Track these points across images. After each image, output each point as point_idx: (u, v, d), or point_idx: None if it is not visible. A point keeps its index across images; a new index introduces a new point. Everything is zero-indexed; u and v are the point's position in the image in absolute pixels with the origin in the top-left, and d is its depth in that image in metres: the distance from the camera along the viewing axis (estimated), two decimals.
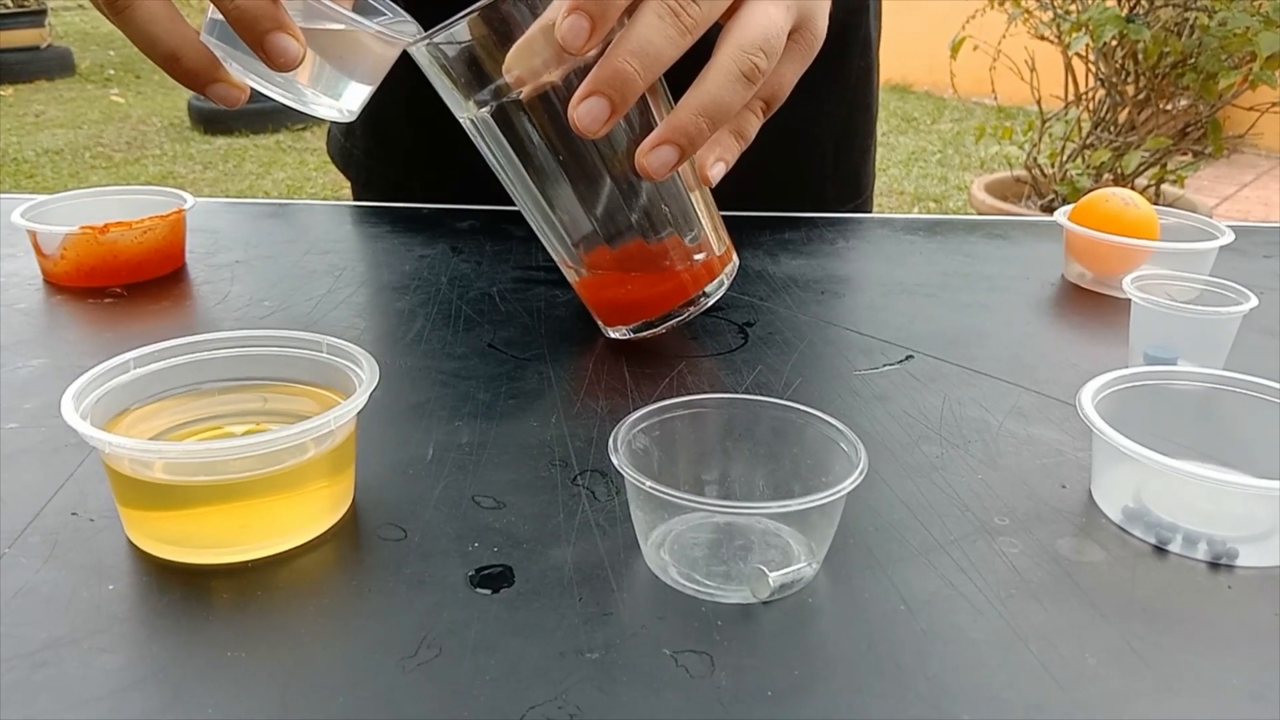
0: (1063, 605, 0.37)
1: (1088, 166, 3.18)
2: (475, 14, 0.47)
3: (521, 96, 0.50)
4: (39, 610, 0.36)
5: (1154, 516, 0.42)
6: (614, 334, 0.59)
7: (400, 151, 0.91)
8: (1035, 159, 3.39)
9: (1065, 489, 0.45)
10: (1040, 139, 3.39)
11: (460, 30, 0.48)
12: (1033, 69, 3.30)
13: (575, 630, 0.35)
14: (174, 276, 0.70)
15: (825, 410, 0.42)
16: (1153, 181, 3.19)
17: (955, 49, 3.24)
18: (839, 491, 0.37)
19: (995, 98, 3.56)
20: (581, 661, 0.34)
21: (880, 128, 0.98)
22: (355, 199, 0.96)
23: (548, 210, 0.55)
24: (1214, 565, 0.40)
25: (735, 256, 0.60)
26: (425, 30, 0.50)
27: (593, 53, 0.46)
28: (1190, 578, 0.40)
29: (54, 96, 5.95)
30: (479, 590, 0.37)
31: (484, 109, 0.51)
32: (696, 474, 0.43)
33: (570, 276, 0.59)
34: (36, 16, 6.46)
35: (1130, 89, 3.17)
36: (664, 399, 0.43)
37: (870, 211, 0.96)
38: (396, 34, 0.50)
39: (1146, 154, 3.09)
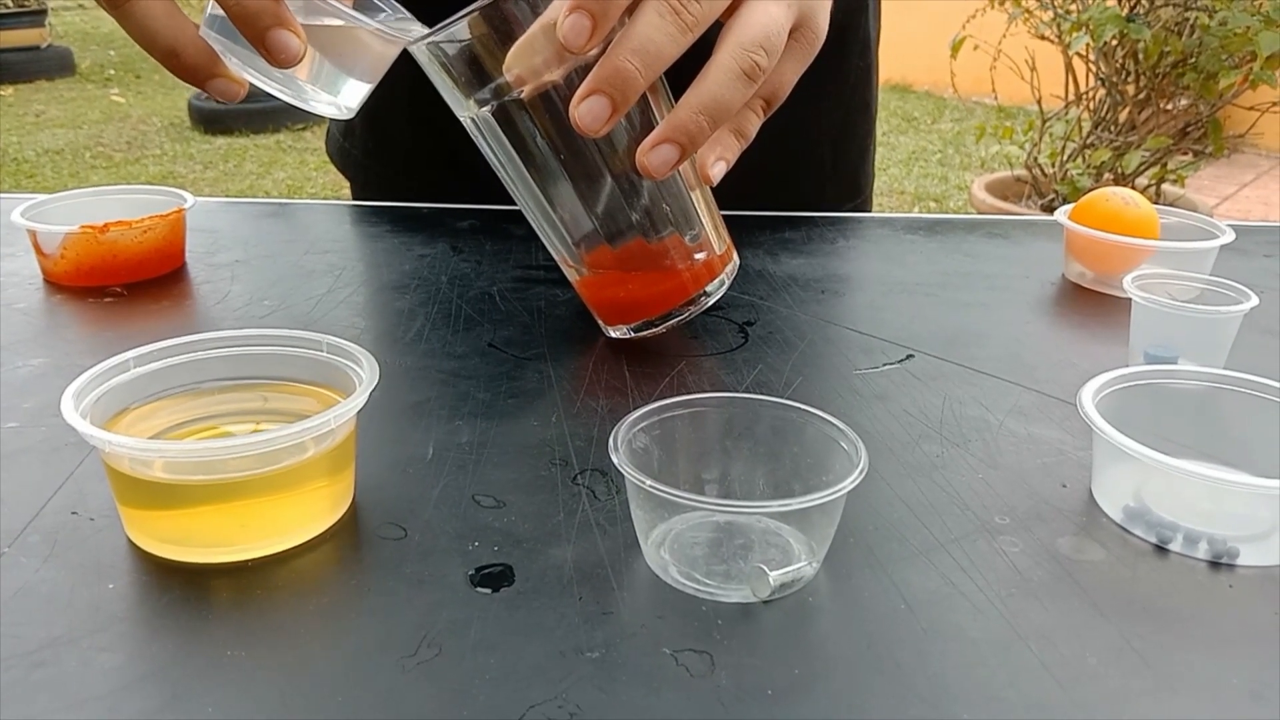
0: (1063, 604, 0.37)
1: (1088, 166, 3.18)
2: (476, 12, 0.47)
3: (522, 95, 0.50)
4: (38, 609, 0.36)
5: (1155, 516, 0.42)
6: (614, 333, 0.59)
7: (399, 152, 0.91)
8: (1035, 159, 3.39)
9: (1066, 488, 0.45)
10: (1040, 139, 3.39)
11: (461, 29, 0.48)
12: (1033, 68, 3.30)
13: (575, 629, 0.35)
14: (174, 276, 0.70)
15: (825, 409, 0.42)
16: (1153, 181, 3.19)
17: (955, 49, 3.24)
18: (839, 490, 0.37)
19: (996, 97, 3.56)
20: (581, 660, 0.34)
21: (880, 127, 0.98)
22: (354, 199, 0.96)
23: (548, 209, 0.55)
24: (1214, 564, 0.40)
25: (736, 256, 0.60)
26: (426, 28, 0.50)
27: (593, 52, 0.46)
28: (1191, 577, 0.40)
29: (54, 96, 5.95)
30: (479, 589, 0.37)
31: (485, 108, 0.51)
32: (697, 473, 0.43)
33: (571, 276, 0.59)
34: (37, 16, 6.46)
35: (1131, 88, 3.17)
36: (664, 398, 0.43)
37: (870, 211, 0.96)
38: (397, 32, 0.50)
39: (1147, 154, 3.09)
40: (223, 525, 0.39)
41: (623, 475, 0.38)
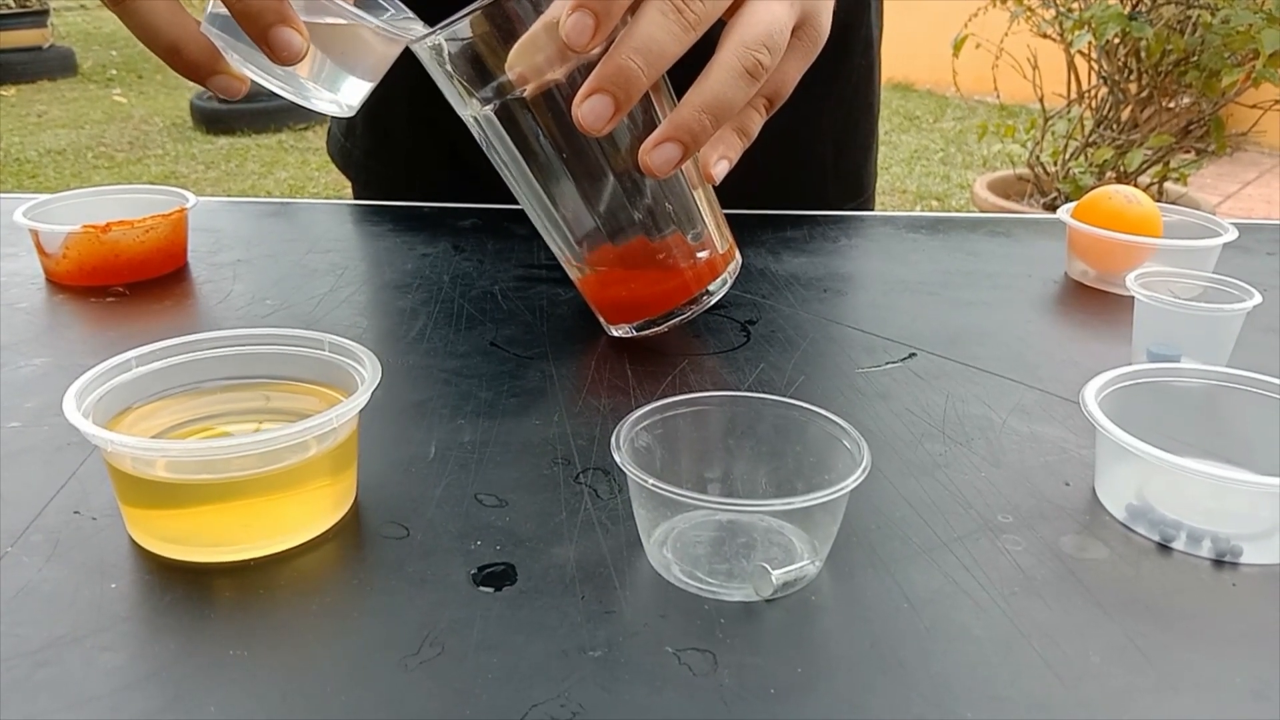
0: (1066, 603, 0.37)
1: (1090, 164, 3.18)
2: (478, 11, 0.47)
3: (525, 94, 0.50)
4: (40, 609, 0.36)
5: (1158, 514, 0.42)
6: (616, 332, 0.59)
7: (401, 151, 0.91)
8: (1038, 157, 3.39)
9: (1069, 486, 0.45)
10: (1043, 137, 3.39)
11: (463, 27, 0.48)
12: (1035, 67, 3.29)
13: (577, 628, 0.35)
14: (176, 275, 0.70)
15: (828, 408, 0.42)
16: (1155, 179, 3.19)
17: (957, 47, 3.24)
18: (842, 489, 0.37)
19: (998, 96, 3.56)
20: (584, 660, 0.34)
21: (882, 126, 0.98)
22: (356, 199, 0.96)
23: (551, 208, 0.55)
24: (1218, 563, 0.40)
25: (738, 255, 0.60)
26: (428, 27, 0.50)
27: (596, 50, 0.46)
28: (1194, 575, 0.39)
29: (56, 97, 5.96)
30: (481, 588, 0.37)
31: (487, 106, 0.51)
32: (699, 472, 0.43)
33: (573, 274, 0.59)
34: (39, 17, 6.47)
35: (1133, 87, 3.17)
36: (666, 397, 0.43)
37: (873, 210, 0.96)
38: (399, 31, 0.50)
39: (1149, 152, 3.08)
40: (225, 524, 0.39)
41: (625, 474, 0.38)
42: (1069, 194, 3.12)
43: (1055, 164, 3.37)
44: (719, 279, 0.58)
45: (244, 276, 0.70)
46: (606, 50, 0.45)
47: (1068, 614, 0.37)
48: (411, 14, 0.54)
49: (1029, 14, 3.24)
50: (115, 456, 0.39)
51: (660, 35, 0.45)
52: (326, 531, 0.41)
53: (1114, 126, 3.23)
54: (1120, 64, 3.16)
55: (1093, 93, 3.31)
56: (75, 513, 0.42)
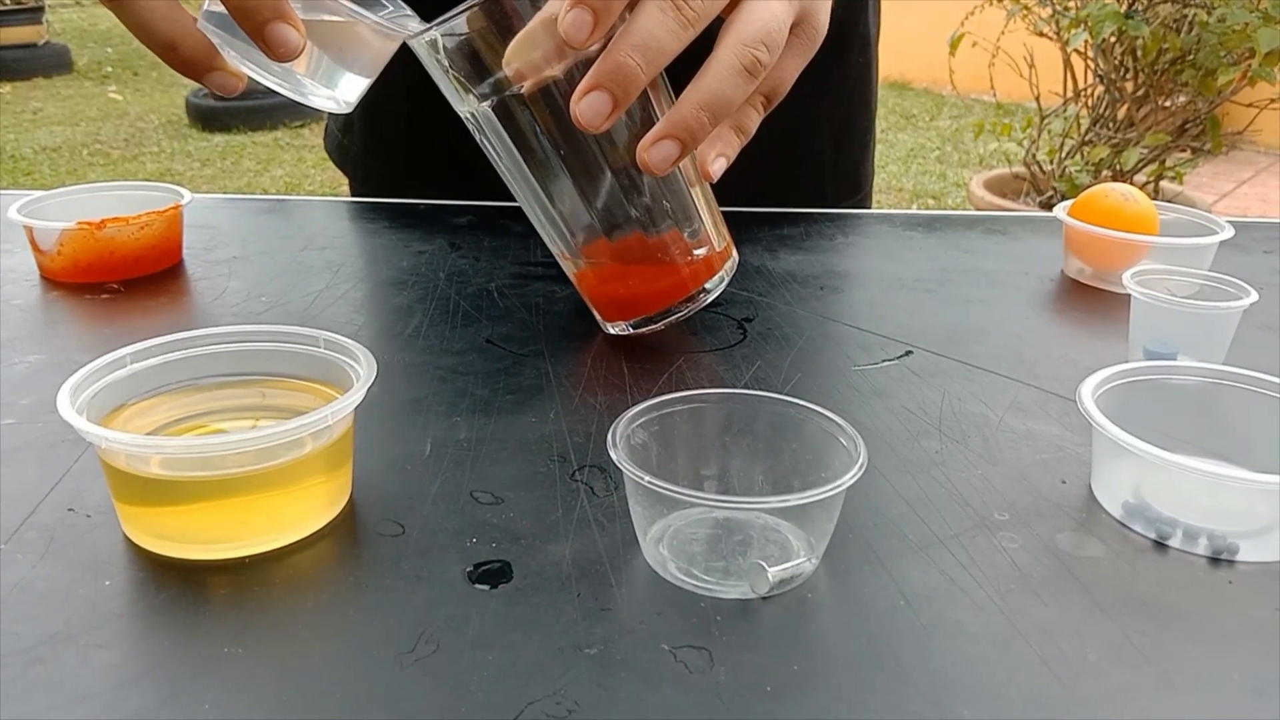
0: (1063, 600, 0.37)
1: (1086, 163, 3.18)
2: (476, 7, 0.47)
3: (522, 90, 0.50)
4: (35, 606, 0.36)
5: (1154, 511, 0.42)
6: (613, 329, 0.59)
7: (398, 148, 0.91)
8: (1034, 156, 3.39)
9: (1065, 484, 0.45)
10: (1039, 136, 3.39)
11: (460, 23, 0.48)
12: (1031, 65, 3.30)
13: (574, 626, 0.35)
14: (171, 272, 0.70)
15: (824, 405, 0.42)
16: (1151, 178, 3.19)
17: (954, 46, 3.24)
18: (838, 486, 0.37)
19: (994, 94, 3.56)
20: (580, 657, 0.34)
21: (879, 125, 0.98)
22: (353, 196, 0.96)
23: (548, 205, 0.55)
24: (1214, 560, 0.40)
25: (735, 252, 0.60)
26: (426, 23, 0.50)
27: (594, 47, 0.46)
28: (1190, 573, 0.39)
29: (51, 94, 5.94)
30: (477, 586, 0.37)
31: (484, 103, 0.51)
32: (695, 469, 0.43)
33: (570, 272, 0.59)
34: (34, 14, 6.45)
35: (1129, 85, 3.18)
36: (663, 394, 0.43)
37: (869, 208, 0.96)
38: (396, 27, 0.50)
39: (1145, 151, 3.09)
40: (220, 522, 0.39)
41: (621, 471, 0.38)
42: (1065, 192, 3.12)
43: (1051, 162, 3.37)
44: (716, 276, 0.58)
45: (239, 273, 0.70)
46: (605, 47, 0.45)
47: (1064, 611, 0.37)
48: (409, 10, 0.53)
49: (1025, 12, 3.25)
50: (110, 453, 0.38)
51: (659, 32, 0.45)
52: (322, 529, 0.41)
53: (1110, 125, 3.23)
54: (1116, 62, 3.16)
55: (1089, 91, 3.31)
56: (69, 510, 0.41)
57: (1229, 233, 0.70)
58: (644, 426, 0.41)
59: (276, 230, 0.80)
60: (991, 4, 3.31)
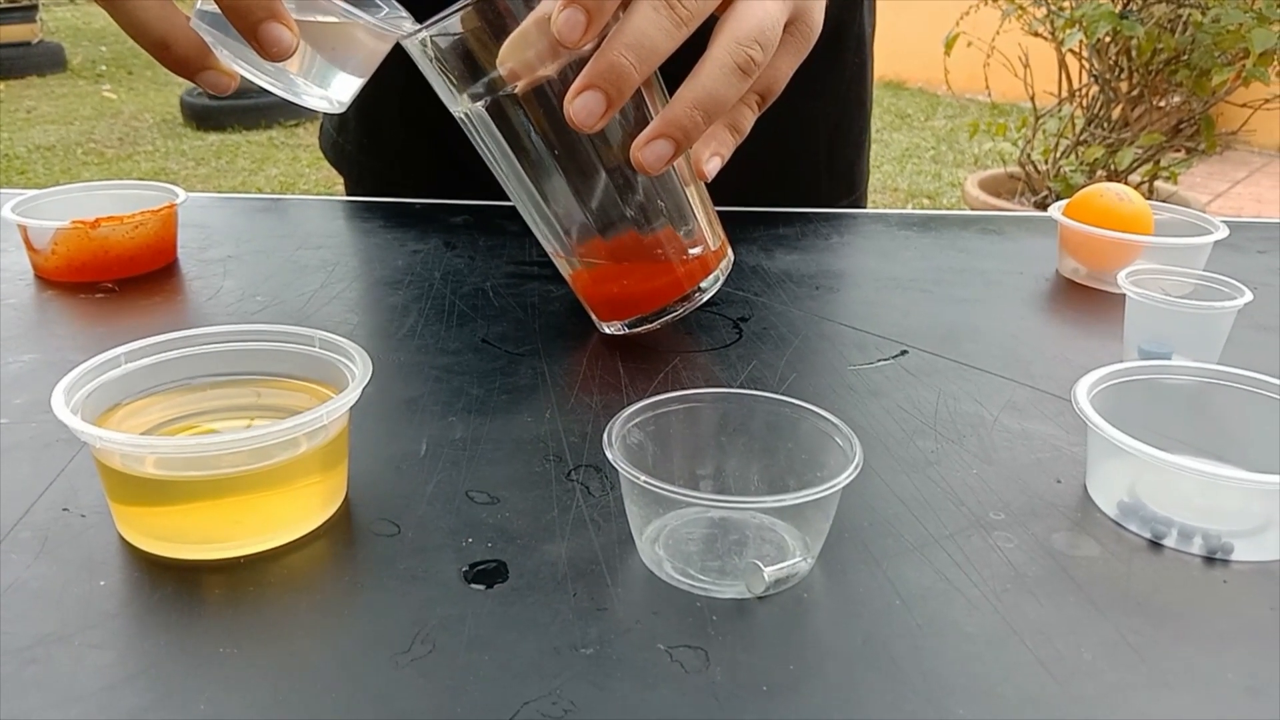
0: (1058, 600, 0.37)
1: (1081, 163, 3.19)
2: (469, 7, 0.47)
3: (516, 90, 0.50)
4: (29, 606, 0.36)
5: (1149, 511, 0.42)
6: (608, 329, 0.59)
7: (393, 147, 0.90)
8: (1029, 155, 3.39)
9: (1060, 484, 0.45)
10: (1034, 135, 3.39)
11: (454, 23, 0.48)
12: (1026, 65, 3.30)
13: (569, 625, 0.35)
14: (166, 271, 0.70)
15: (820, 405, 0.42)
16: (1146, 178, 3.20)
17: (949, 45, 3.25)
18: (834, 486, 0.37)
19: (989, 94, 3.57)
20: (576, 657, 0.34)
21: (874, 124, 0.98)
22: (348, 195, 0.96)
23: (543, 205, 0.54)
24: (1209, 560, 0.40)
25: (730, 252, 0.60)
26: (419, 23, 0.50)
27: (587, 47, 0.46)
28: (1185, 572, 0.40)
29: (46, 92, 5.93)
30: (473, 586, 0.37)
31: (478, 103, 0.51)
32: (691, 469, 0.43)
33: (565, 271, 0.59)
34: (28, 12, 6.43)
35: (1124, 85, 3.18)
36: (658, 394, 0.43)
37: (864, 208, 0.96)
38: (390, 27, 0.50)
39: (1140, 151, 3.09)
40: (215, 521, 0.39)
41: (617, 471, 0.38)
42: (1060, 192, 3.13)
43: (1046, 162, 3.38)
44: (711, 276, 0.58)
45: (234, 273, 0.70)
46: (598, 47, 0.45)
47: (1060, 611, 0.37)
48: (403, 11, 0.53)
49: (1020, 12, 3.25)
50: (104, 453, 0.38)
51: (652, 31, 0.45)
52: (317, 529, 0.41)
53: (1105, 125, 3.24)
54: (1111, 63, 3.16)
55: (1084, 91, 3.31)
56: (64, 510, 0.41)
57: (1223, 233, 0.70)
58: (640, 426, 0.41)
59: (271, 229, 0.80)
60: (987, 4, 3.31)
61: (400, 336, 0.59)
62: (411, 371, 0.55)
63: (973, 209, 3.44)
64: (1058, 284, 0.72)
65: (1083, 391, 0.44)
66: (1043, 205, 3.26)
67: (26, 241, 0.67)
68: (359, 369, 0.42)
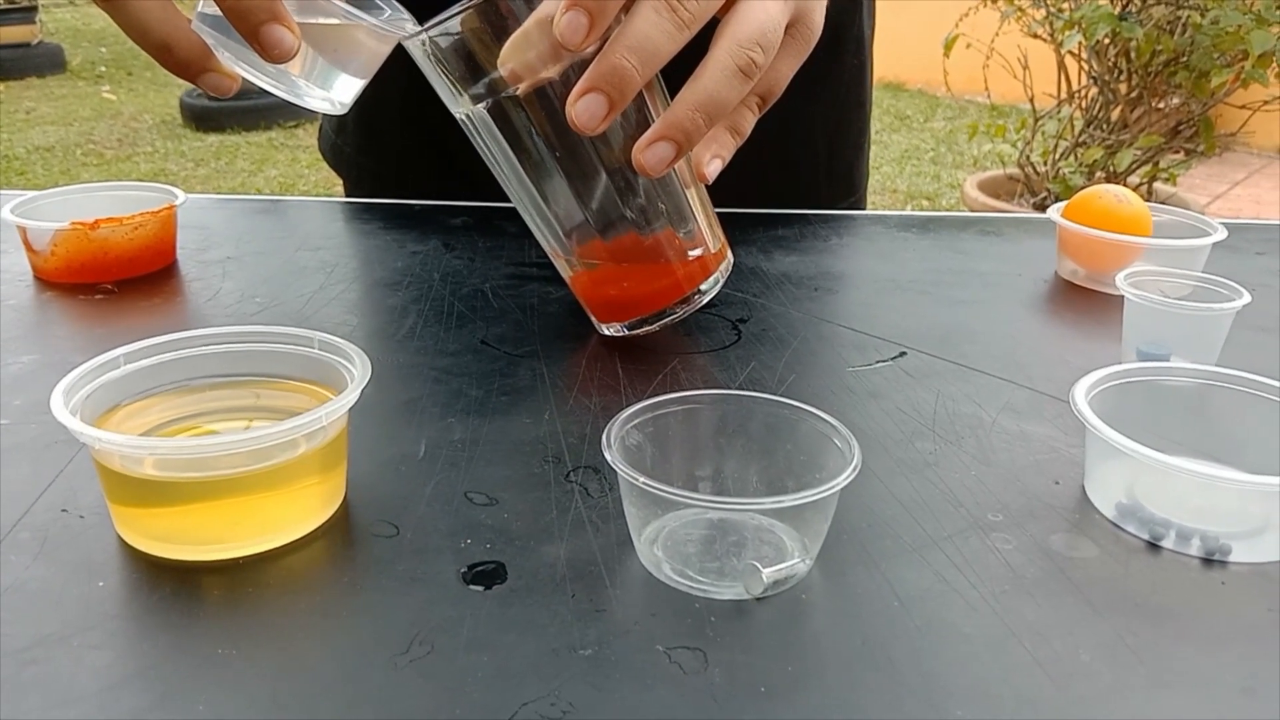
0: (1056, 601, 0.37)
1: (1080, 164, 3.19)
2: (471, 8, 0.47)
3: (517, 92, 0.50)
4: (28, 607, 0.36)
5: (1147, 512, 0.42)
6: (608, 331, 0.59)
7: (392, 149, 0.90)
8: (1028, 157, 3.40)
9: (1059, 485, 0.45)
10: (1033, 137, 3.39)
11: (455, 24, 0.48)
12: (1025, 67, 3.30)
13: (568, 627, 0.35)
14: (165, 273, 0.70)
15: (819, 406, 0.42)
16: (1145, 180, 3.20)
17: (948, 47, 3.25)
18: (832, 487, 0.37)
19: (988, 96, 3.57)
20: (574, 658, 0.34)
21: (873, 126, 0.98)
22: (347, 196, 0.96)
23: (543, 206, 0.55)
24: (1207, 561, 0.40)
25: (730, 253, 0.60)
26: (421, 25, 0.50)
27: (590, 49, 0.46)
28: (1183, 573, 0.40)
29: (45, 93, 5.93)
30: (471, 587, 0.37)
31: (479, 104, 0.51)
32: (690, 470, 0.43)
33: (564, 273, 0.59)
34: (28, 13, 6.43)
35: (1123, 87, 3.18)
36: (657, 395, 0.43)
37: (864, 209, 0.96)
38: (391, 28, 0.50)
39: (1139, 152, 3.09)
40: (213, 523, 0.39)
41: (616, 472, 0.38)
42: (1059, 194, 3.13)
43: (1045, 164, 3.38)
44: (711, 278, 0.58)
45: (233, 274, 0.70)
46: (600, 49, 0.45)
47: (1058, 612, 0.37)
48: (405, 13, 0.53)
49: (1019, 14, 3.25)
50: (103, 454, 0.38)
51: (654, 34, 0.45)
52: (316, 530, 0.41)
53: (1104, 126, 3.24)
54: (1110, 64, 3.17)
55: (1083, 93, 3.32)
56: (63, 511, 0.41)
57: (1222, 234, 0.70)
58: (639, 427, 0.41)
59: (271, 231, 0.80)
60: (986, 5, 3.31)
61: (399, 338, 0.59)
62: (410, 373, 0.55)
63: (972, 210, 3.45)
64: (1056, 285, 0.72)
65: (1081, 393, 0.44)
66: (1042, 207, 3.26)
67: (26, 243, 0.68)
68: (358, 370, 0.42)
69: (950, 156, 4.69)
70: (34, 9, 6.52)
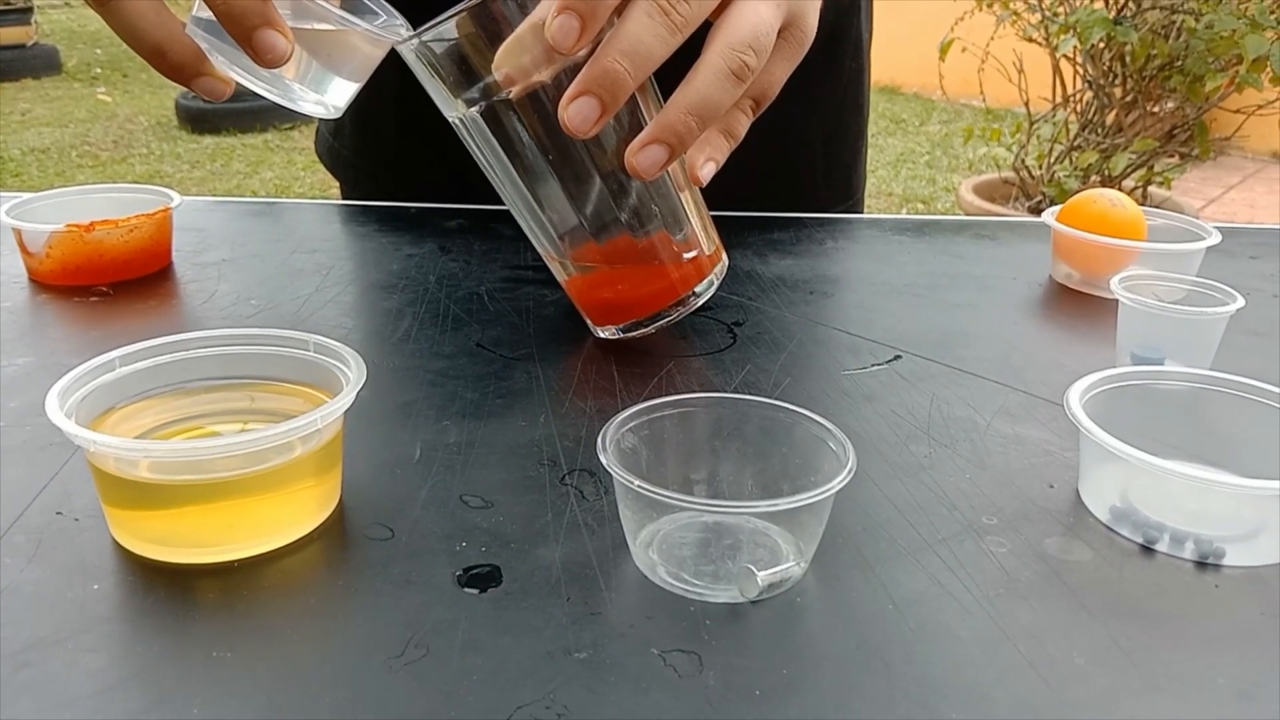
0: (1050, 604, 0.37)
1: (1075, 168, 3.20)
2: (464, 12, 0.47)
3: (510, 95, 0.50)
4: (23, 610, 0.36)
5: (1141, 516, 0.42)
6: (603, 334, 0.59)
7: (389, 151, 0.90)
8: (1023, 161, 3.40)
9: (1053, 488, 0.45)
10: (1028, 141, 3.40)
11: (449, 28, 0.48)
12: (1021, 71, 3.31)
13: (563, 630, 0.35)
14: (160, 275, 0.70)
15: (814, 410, 0.42)
16: (1140, 183, 3.21)
17: (944, 51, 3.25)
18: (827, 491, 0.37)
19: (983, 99, 3.58)
20: (569, 661, 0.34)
21: (869, 129, 0.98)
22: (344, 199, 0.96)
23: (537, 209, 0.55)
24: (1201, 564, 0.40)
25: (725, 256, 0.60)
26: (414, 29, 0.50)
27: (582, 52, 0.46)
28: (1177, 577, 0.40)
29: (40, 95, 5.92)
30: (466, 590, 0.37)
31: (473, 108, 0.51)
32: (685, 473, 0.43)
33: (559, 276, 0.59)
34: (23, 14, 6.43)
35: (1118, 91, 3.19)
36: (653, 398, 0.43)
37: (861, 213, 0.96)
38: (385, 33, 0.50)
39: (1134, 156, 3.10)
40: (209, 525, 0.39)
41: (611, 475, 0.38)
42: (1054, 197, 3.13)
43: (1040, 168, 3.38)
44: (705, 281, 0.58)
45: (229, 276, 0.70)
46: (593, 52, 0.45)
47: (1052, 615, 0.37)
48: (399, 16, 0.53)
49: (1015, 18, 3.26)
50: (98, 457, 0.38)
51: (647, 37, 0.45)
52: (311, 533, 0.41)
53: (1099, 130, 3.25)
54: (1105, 68, 3.17)
55: (1078, 97, 3.32)
56: (58, 513, 0.41)
57: (1216, 238, 0.70)
58: (634, 431, 0.41)
59: (266, 233, 0.80)
60: (981, 9, 3.32)
61: (395, 341, 0.59)
62: (406, 376, 0.55)
63: (967, 214, 3.45)
64: (1051, 289, 0.73)
65: (1075, 396, 0.44)
66: (1037, 210, 3.27)
67: (21, 245, 0.67)
68: (353, 373, 0.42)
69: (945, 160, 4.70)
70: (29, 10, 6.51)
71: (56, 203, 0.72)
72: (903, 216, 0.91)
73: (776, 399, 0.43)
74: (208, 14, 0.46)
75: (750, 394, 0.44)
